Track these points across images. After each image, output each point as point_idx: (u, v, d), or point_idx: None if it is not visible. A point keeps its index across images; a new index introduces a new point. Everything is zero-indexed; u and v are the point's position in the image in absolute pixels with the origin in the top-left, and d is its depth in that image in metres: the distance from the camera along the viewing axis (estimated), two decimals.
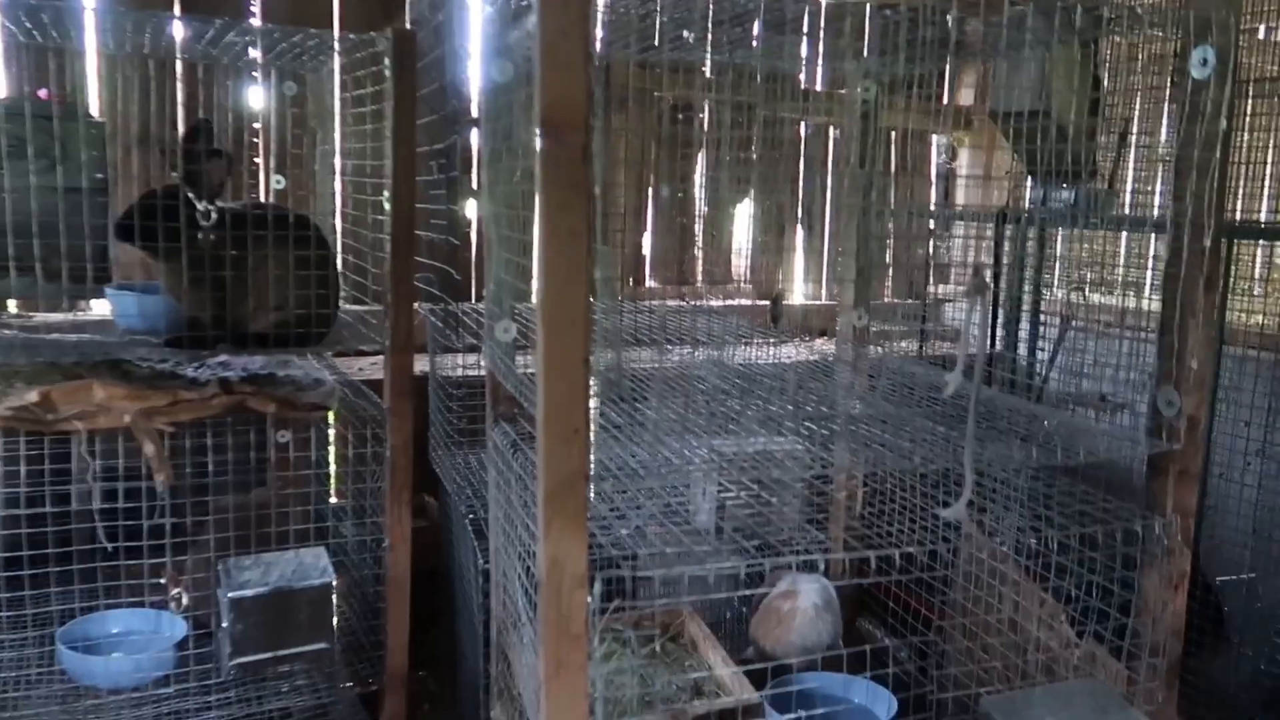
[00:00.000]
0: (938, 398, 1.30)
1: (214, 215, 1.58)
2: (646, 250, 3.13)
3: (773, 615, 1.65)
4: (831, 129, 3.11)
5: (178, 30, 1.93)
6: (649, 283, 3.17)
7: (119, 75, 2.47)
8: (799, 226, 3.15)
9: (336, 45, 1.81)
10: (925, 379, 1.56)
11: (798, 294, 3.28)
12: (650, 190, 3.01)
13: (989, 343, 2.21)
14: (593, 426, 1.53)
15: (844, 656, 1.33)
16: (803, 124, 2.98)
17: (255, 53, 2.17)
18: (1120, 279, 2.08)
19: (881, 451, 1.26)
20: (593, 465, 1.19)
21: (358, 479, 1.97)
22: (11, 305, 2.27)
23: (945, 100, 3.10)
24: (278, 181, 2.29)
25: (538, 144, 0.90)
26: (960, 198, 3.20)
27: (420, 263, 2.23)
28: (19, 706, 1.67)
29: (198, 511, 1.73)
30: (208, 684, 1.73)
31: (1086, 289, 2.09)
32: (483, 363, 1.73)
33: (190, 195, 1.59)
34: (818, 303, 3.27)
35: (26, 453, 1.60)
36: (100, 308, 2.22)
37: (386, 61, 1.66)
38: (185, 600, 1.78)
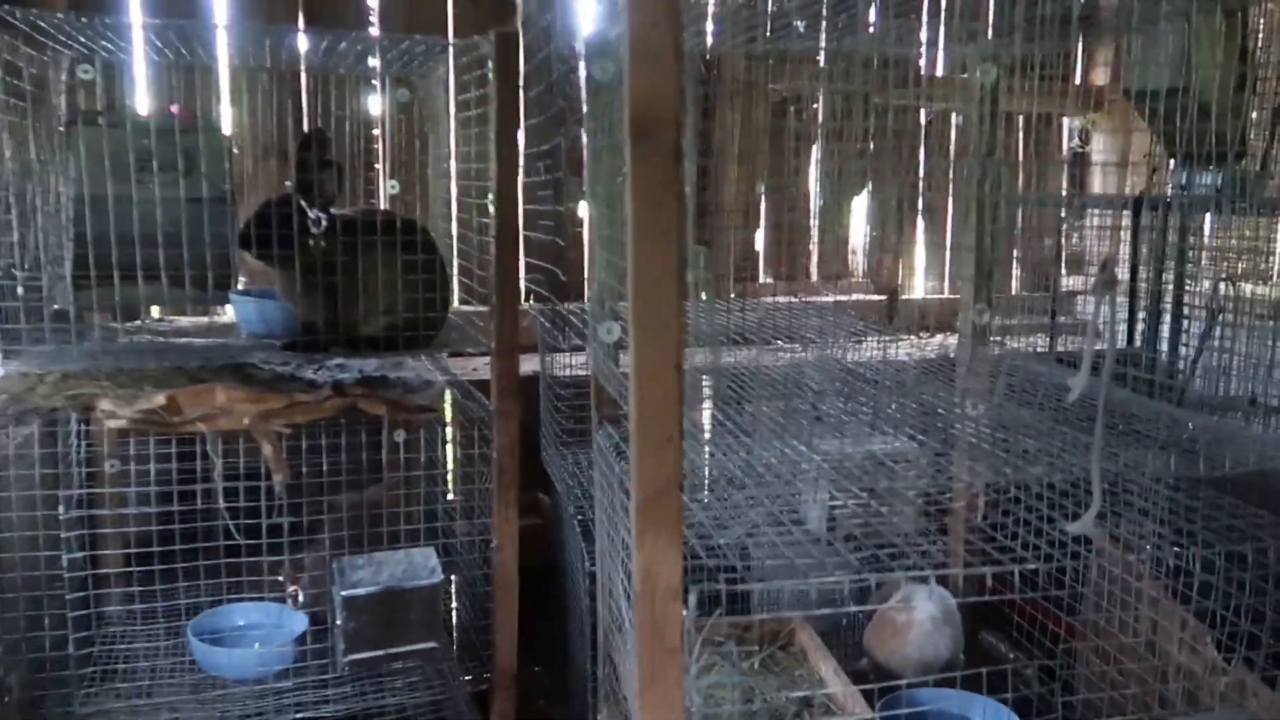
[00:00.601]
0: (1065, 400, 1.21)
1: (324, 223, 1.62)
2: (759, 246, 3.07)
3: (888, 626, 1.58)
4: (953, 116, 2.98)
5: (301, 43, 1.99)
6: (762, 279, 3.10)
7: (247, 89, 2.58)
8: (919, 218, 3.02)
9: (450, 49, 1.83)
10: (1052, 379, 1.46)
11: (918, 288, 3.16)
12: (762, 185, 2.95)
13: (1126, 340, 2.07)
14: (706, 430, 1.50)
15: (963, 673, 1.25)
16: (922, 111, 2.86)
17: (374, 61, 2.23)
18: (1275, 268, 1.90)
19: (1003, 458, 1.18)
20: (698, 470, 1.16)
21: (468, 479, 1.99)
22: (155, 311, 2.40)
23: (1076, 80, 2.92)
24: (392, 187, 2.34)
25: (627, 143, 0.87)
26: (1094, 184, 3.01)
27: (529, 264, 2.24)
28: (153, 694, 1.75)
29: (314, 510, 1.78)
30: (324, 678, 1.77)
31: (1236, 280, 1.93)
32: (587, 365, 1.72)
33: (302, 204, 1.63)
34: (938, 297, 3.14)
35: (156, 451, 1.67)
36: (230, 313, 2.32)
37: (490, 64, 1.67)
38: (301, 597, 1.83)
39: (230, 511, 1.64)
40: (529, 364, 2.62)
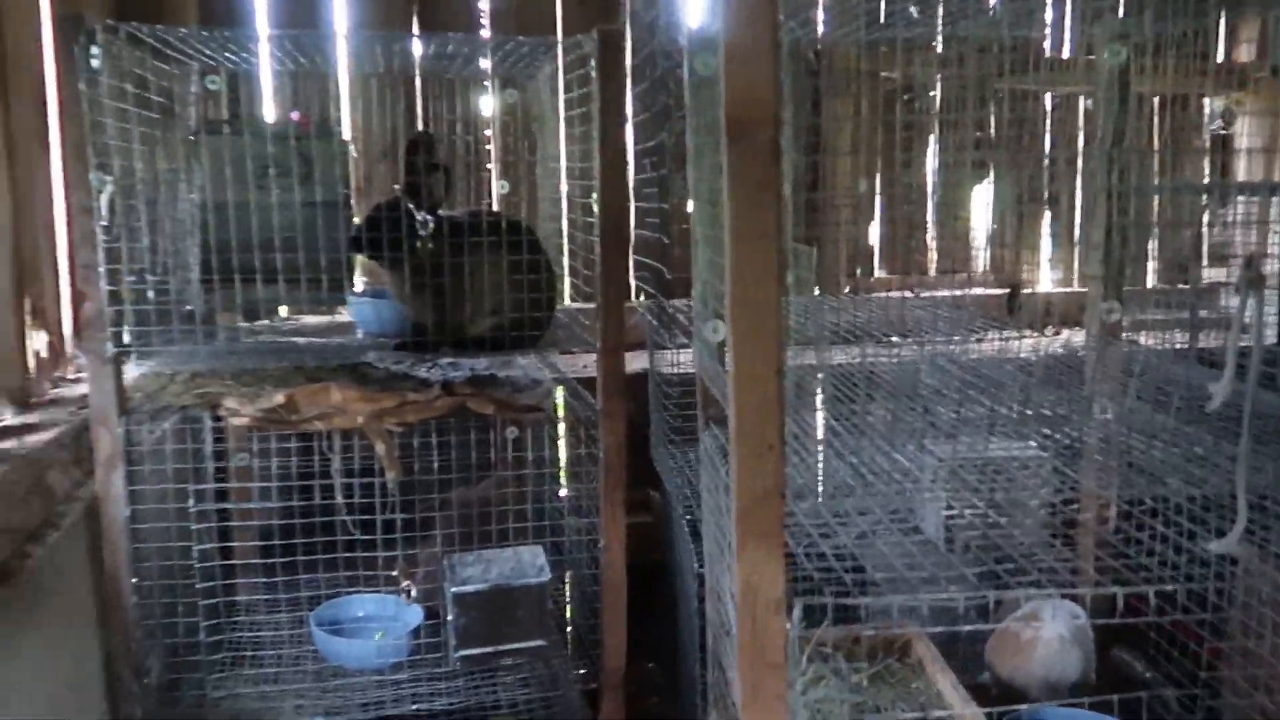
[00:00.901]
0: (1207, 405, 1.11)
1: (431, 225, 1.64)
2: (874, 241, 2.98)
3: (1012, 641, 1.51)
4: (1080, 100, 2.82)
5: (415, 48, 2.04)
6: (876, 275, 3.02)
7: (363, 95, 2.65)
8: (1045, 208, 2.88)
9: (554, 49, 1.84)
10: (1191, 380, 1.36)
11: (1042, 282, 3.01)
12: (877, 178, 2.86)
13: (1277, 339, 1.91)
14: (819, 432, 1.46)
15: (1093, 699, 1.18)
16: (1046, 96, 2.72)
17: (485, 64, 2.25)
18: None
19: (1137, 467, 1.10)
20: (804, 476, 1.12)
21: (577, 477, 1.99)
22: (283, 311, 2.50)
23: (1217, 58, 2.72)
24: (501, 187, 2.36)
25: (724, 143, 0.84)
26: (1239, 170, 2.80)
27: (637, 261, 2.23)
28: (279, 680, 1.82)
29: (426, 507, 1.81)
30: (438, 672, 1.81)
31: None
32: (694, 362, 1.70)
33: (410, 206, 1.66)
34: (1064, 290, 2.98)
35: (278, 447, 1.74)
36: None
37: (593, 62, 1.66)
38: (414, 592, 1.87)
39: (346, 507, 1.69)
40: (638, 361, 2.62)
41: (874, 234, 3.02)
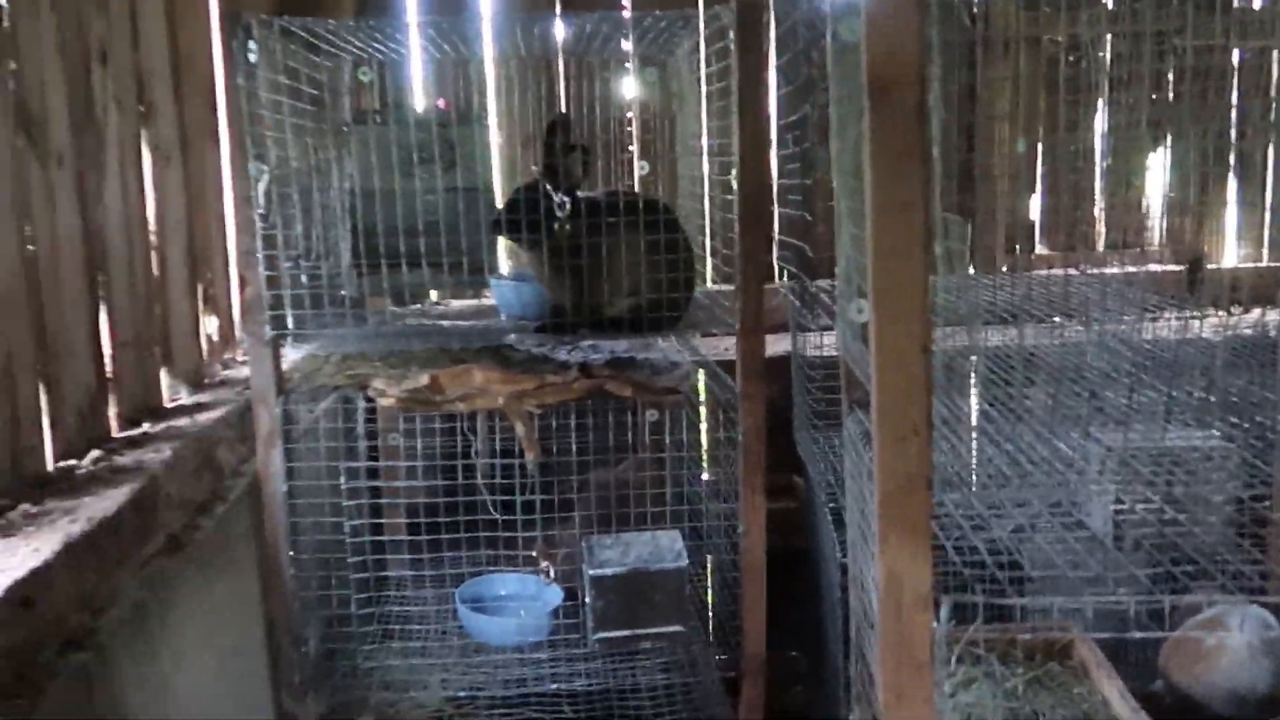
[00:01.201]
0: None
1: (568, 206, 1.64)
2: (1035, 214, 2.81)
3: (1192, 648, 1.38)
4: (1275, 53, 2.55)
5: (558, 30, 2.04)
6: (1038, 250, 2.84)
7: (508, 79, 2.69)
8: (1229, 175, 2.63)
9: (692, 22, 1.79)
10: None
11: (1227, 256, 2.75)
12: (1039, 144, 2.68)
13: None
14: (973, 417, 1.38)
15: None
16: (1235, 51, 2.48)
17: (626, 45, 2.24)
18: None
19: None
20: (956, 464, 1.05)
21: (717, 461, 1.96)
22: (434, 295, 2.57)
23: None
24: (642, 168, 2.34)
25: (865, 105, 0.78)
26: None
27: (780, 240, 2.17)
28: (426, 654, 1.88)
29: (566, 488, 1.82)
30: (576, 653, 1.82)
31: None
32: (835, 344, 1.63)
33: (548, 188, 1.66)
34: (1254, 266, 2.72)
35: (423, 427, 1.78)
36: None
37: (732, 34, 1.61)
38: (553, 573, 1.88)
39: (488, 487, 1.71)
40: (781, 344, 2.55)
41: (1034, 206, 2.85)
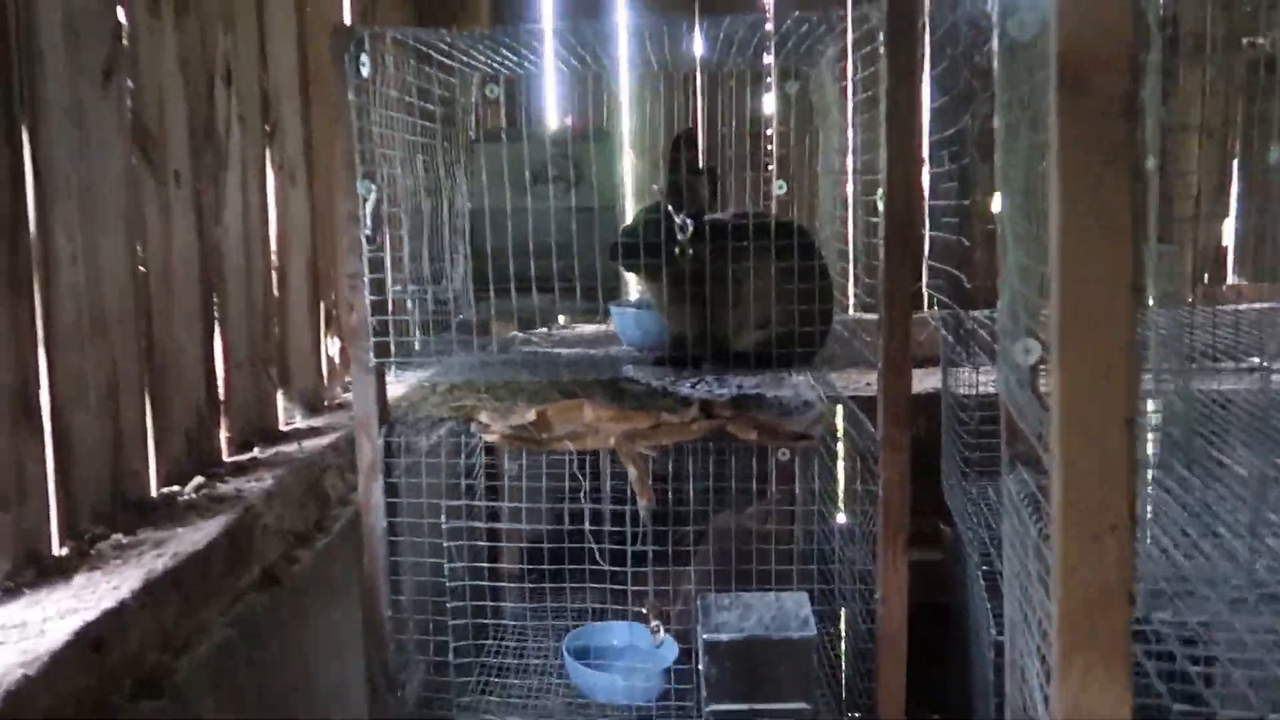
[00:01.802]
0: None
1: (690, 228, 1.48)
2: (1228, 240, 2.48)
3: None
4: None
5: (695, 41, 1.91)
6: (1230, 279, 2.51)
7: (641, 93, 2.58)
8: None
9: (837, 26, 1.62)
10: None
11: None
12: (1234, 162, 2.37)
13: None
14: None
15: None
16: None
17: (767, 59, 2.09)
18: None
19: None
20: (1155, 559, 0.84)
21: (853, 511, 1.76)
22: (561, 319, 2.47)
23: None
24: (779, 188, 2.17)
25: (1052, 99, 0.60)
26: None
27: (931, 267, 1.95)
28: (527, 708, 1.74)
29: (681, 538, 1.66)
30: None
31: None
32: (994, 385, 1.42)
33: (669, 209, 1.52)
34: None
35: (529, 460, 1.66)
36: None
37: (881, 37, 1.43)
38: (662, 632, 1.72)
39: (595, 534, 1.57)
40: (929, 379, 2.33)
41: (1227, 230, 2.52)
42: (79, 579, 1.21)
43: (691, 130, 1.55)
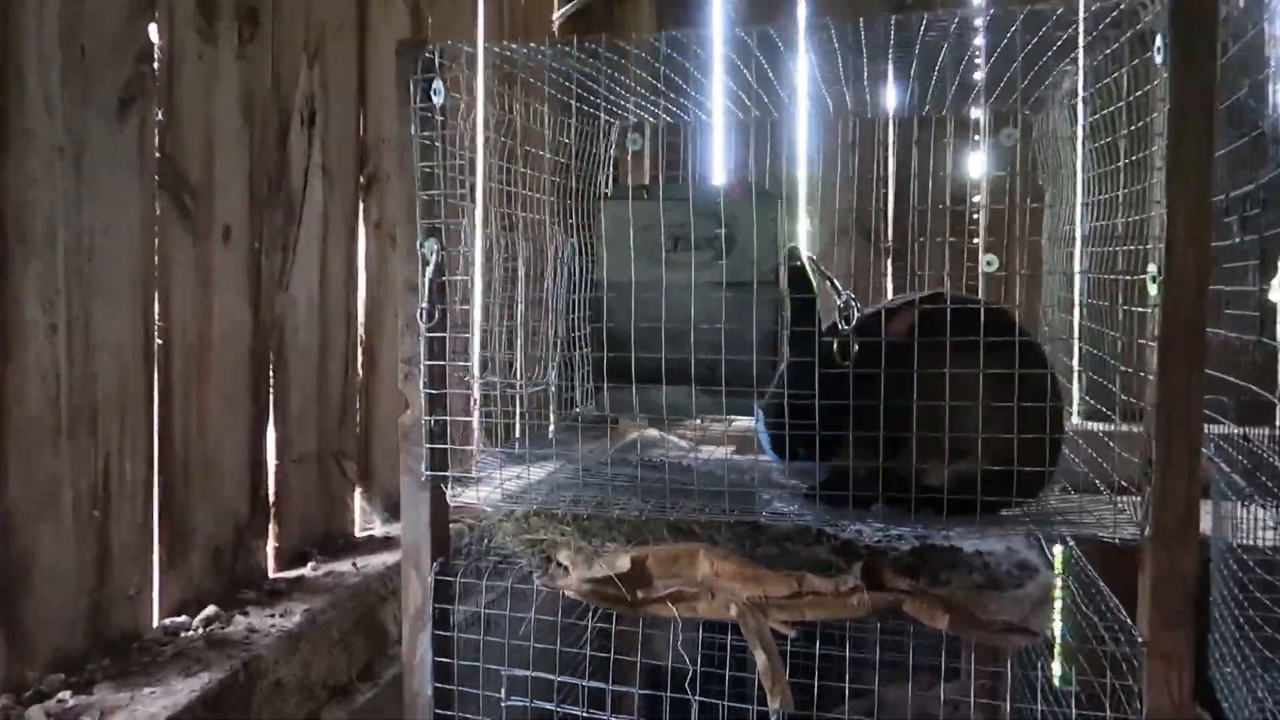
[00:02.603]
0: None
1: (856, 314, 1.04)
2: None
3: None
4: None
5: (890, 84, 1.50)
6: None
7: (824, 142, 2.19)
8: None
9: (1082, 26, 1.15)
10: None
11: None
12: None
13: None
14: None
15: None
16: None
17: (976, 112, 1.67)
18: None
19: None
20: None
21: (1082, 700, 1.22)
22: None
23: None
24: (989, 263, 1.68)
25: None
26: None
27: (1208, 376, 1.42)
28: None
29: None
30: None
31: None
32: None
33: (833, 283, 1.08)
34: None
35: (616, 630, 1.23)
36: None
37: (1157, 43, 0.96)
38: None
39: None
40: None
41: None
42: None
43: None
